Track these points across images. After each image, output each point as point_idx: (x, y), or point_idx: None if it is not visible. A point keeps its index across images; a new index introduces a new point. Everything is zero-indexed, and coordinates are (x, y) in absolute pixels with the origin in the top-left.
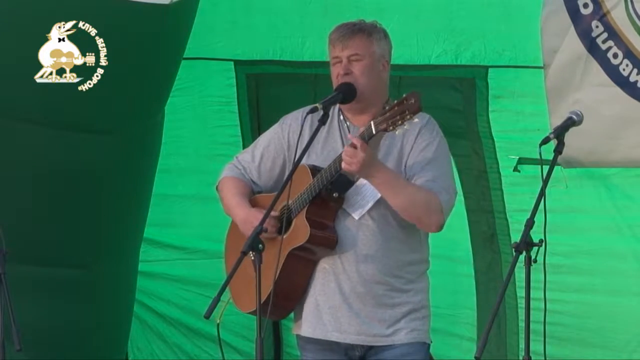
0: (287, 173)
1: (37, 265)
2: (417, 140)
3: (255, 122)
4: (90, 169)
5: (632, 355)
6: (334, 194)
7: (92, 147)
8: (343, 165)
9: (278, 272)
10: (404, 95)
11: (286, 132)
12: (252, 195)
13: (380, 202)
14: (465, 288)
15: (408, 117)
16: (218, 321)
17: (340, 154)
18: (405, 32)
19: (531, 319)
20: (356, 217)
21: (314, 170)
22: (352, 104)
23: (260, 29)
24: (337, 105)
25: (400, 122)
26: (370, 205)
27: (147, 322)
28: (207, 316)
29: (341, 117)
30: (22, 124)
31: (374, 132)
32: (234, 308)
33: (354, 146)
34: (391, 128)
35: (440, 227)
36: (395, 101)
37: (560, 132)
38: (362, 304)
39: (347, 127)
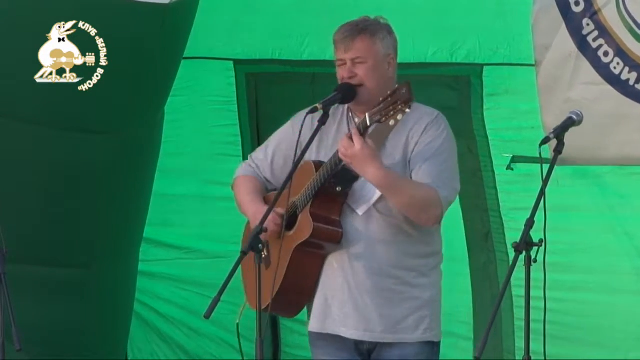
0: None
1: (37, 265)
2: (423, 136)
3: (254, 121)
4: (90, 169)
5: (628, 354)
6: (337, 188)
7: (92, 147)
8: (339, 155)
9: (284, 269)
10: (396, 86)
11: (297, 129)
12: (266, 192)
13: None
14: (461, 287)
15: (400, 107)
16: (237, 321)
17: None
18: (401, 30)
19: (531, 318)
20: (360, 213)
21: (318, 165)
22: (358, 103)
23: (260, 29)
24: (346, 105)
25: (392, 113)
26: (374, 200)
27: (147, 322)
28: (207, 316)
29: (350, 114)
30: (22, 124)
31: (368, 124)
32: (231, 307)
33: (349, 137)
34: (384, 119)
35: (436, 222)
36: (388, 92)
37: (560, 132)
38: (369, 299)
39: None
